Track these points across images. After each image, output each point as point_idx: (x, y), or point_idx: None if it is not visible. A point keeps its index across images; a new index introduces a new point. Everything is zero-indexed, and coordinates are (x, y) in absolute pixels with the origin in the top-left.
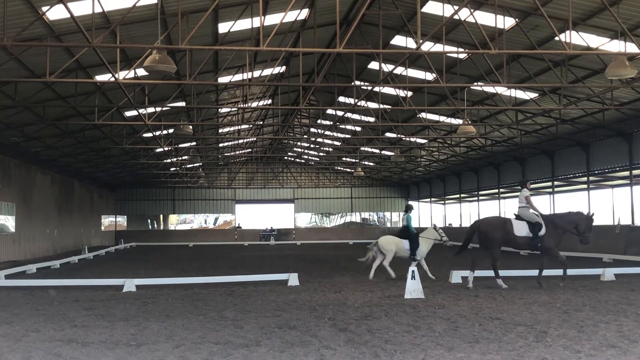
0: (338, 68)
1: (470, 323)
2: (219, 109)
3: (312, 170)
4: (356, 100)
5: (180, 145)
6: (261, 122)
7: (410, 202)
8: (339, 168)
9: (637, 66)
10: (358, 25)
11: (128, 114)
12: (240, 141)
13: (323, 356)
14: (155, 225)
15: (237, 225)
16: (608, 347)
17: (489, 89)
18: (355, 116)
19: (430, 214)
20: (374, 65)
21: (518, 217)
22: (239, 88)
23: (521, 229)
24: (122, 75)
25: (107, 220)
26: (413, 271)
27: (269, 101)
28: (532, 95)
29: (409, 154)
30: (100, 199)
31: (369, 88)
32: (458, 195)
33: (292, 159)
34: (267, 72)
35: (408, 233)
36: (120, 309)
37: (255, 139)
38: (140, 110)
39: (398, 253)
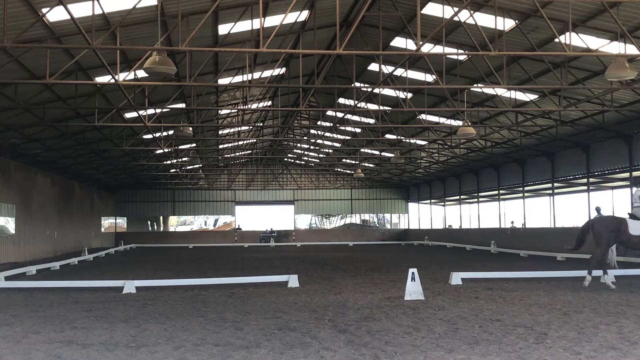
0: (338, 70)
1: (470, 325)
2: (219, 111)
3: (312, 172)
4: (356, 102)
5: (180, 147)
6: (261, 124)
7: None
8: (339, 169)
9: (636, 68)
10: (358, 27)
11: (128, 115)
12: (240, 143)
13: (323, 358)
14: (155, 227)
15: (237, 227)
16: (608, 349)
17: (489, 90)
18: (355, 118)
19: (430, 216)
20: (374, 66)
21: (633, 216)
22: (239, 89)
23: (637, 228)
24: (122, 76)
25: (107, 222)
26: (413, 273)
27: (269, 103)
28: (532, 96)
29: (409, 155)
30: (100, 201)
31: (369, 90)
32: (458, 197)
33: (292, 160)
34: (267, 73)
35: None
36: (120, 311)
37: (255, 140)
38: (140, 112)
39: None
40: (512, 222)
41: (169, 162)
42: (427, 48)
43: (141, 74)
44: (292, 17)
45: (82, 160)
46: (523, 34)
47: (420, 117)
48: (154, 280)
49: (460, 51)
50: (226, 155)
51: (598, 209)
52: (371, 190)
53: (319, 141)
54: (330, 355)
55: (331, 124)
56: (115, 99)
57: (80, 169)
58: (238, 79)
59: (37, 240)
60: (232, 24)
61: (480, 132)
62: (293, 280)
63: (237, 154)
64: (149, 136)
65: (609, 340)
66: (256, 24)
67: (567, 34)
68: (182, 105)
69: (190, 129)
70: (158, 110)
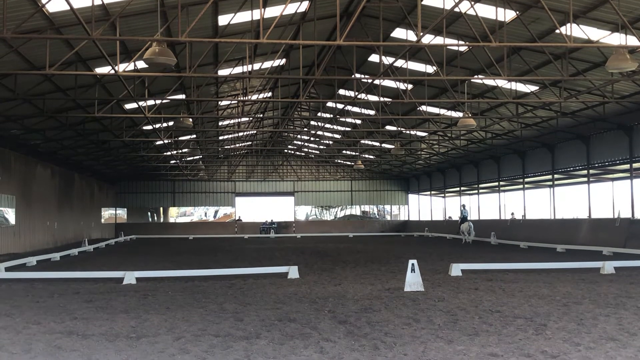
0: (338, 61)
1: (469, 316)
2: (219, 102)
3: (312, 163)
4: (356, 93)
5: (180, 138)
6: (261, 115)
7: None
8: (339, 161)
9: (637, 59)
10: (358, 18)
11: (128, 106)
12: (240, 134)
13: (323, 348)
14: (156, 218)
15: (237, 218)
16: (607, 340)
17: (490, 81)
18: (356, 109)
19: (430, 207)
20: (374, 58)
21: None
22: (239, 81)
23: None
24: (122, 67)
25: (107, 213)
26: (413, 264)
27: (269, 94)
28: (532, 88)
29: (409, 147)
30: (101, 192)
31: (369, 81)
32: (458, 189)
33: (292, 151)
34: (267, 64)
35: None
36: (120, 302)
37: (255, 131)
38: (140, 103)
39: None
40: (512, 214)
41: (169, 153)
42: (428, 39)
43: (141, 64)
44: (292, 8)
45: (82, 151)
46: (524, 25)
47: (421, 109)
48: (154, 271)
49: (461, 42)
50: (226, 147)
51: (463, 206)
52: (371, 181)
53: (319, 132)
54: (330, 346)
55: (331, 116)
56: (115, 90)
57: (80, 159)
58: (238, 70)
59: (37, 231)
60: (232, 14)
61: (481, 123)
62: (293, 272)
63: (237, 145)
64: (149, 127)
65: (609, 332)
66: (256, 14)
67: (568, 25)
68: (182, 96)
69: (190, 120)
70: (158, 101)
